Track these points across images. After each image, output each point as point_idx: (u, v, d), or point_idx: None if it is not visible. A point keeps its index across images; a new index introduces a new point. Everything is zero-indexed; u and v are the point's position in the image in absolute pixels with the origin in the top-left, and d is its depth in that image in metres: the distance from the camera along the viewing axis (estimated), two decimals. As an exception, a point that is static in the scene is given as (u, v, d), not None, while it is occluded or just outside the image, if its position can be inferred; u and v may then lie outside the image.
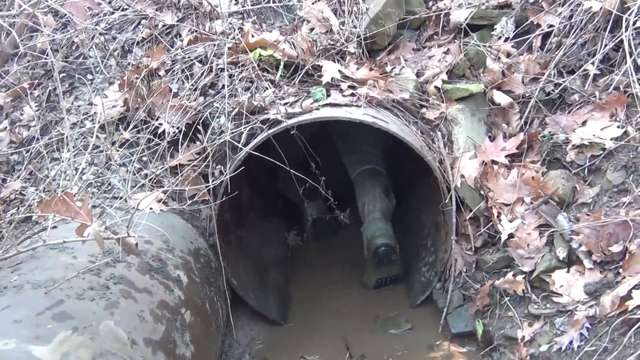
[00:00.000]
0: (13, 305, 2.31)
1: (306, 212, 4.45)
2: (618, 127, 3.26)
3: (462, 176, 3.47)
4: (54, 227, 2.76)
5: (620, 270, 2.82)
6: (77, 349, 2.16)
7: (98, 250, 2.57)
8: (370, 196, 3.99)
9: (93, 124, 3.68)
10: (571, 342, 2.76)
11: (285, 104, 3.56)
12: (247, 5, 4.23)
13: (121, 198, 3.19)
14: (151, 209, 3.18)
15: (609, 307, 2.69)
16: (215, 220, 3.38)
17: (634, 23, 3.31)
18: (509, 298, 3.18)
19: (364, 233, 3.93)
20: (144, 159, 3.54)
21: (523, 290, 3.11)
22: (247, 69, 3.72)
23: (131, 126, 3.64)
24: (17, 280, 2.46)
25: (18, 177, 3.69)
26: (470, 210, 3.47)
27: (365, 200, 3.99)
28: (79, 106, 3.95)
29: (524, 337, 2.96)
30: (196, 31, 4.02)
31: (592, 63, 3.50)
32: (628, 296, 2.64)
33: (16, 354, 2.04)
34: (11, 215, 3.34)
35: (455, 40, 4.01)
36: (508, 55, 3.88)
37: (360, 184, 4.07)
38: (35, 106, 4.03)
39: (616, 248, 2.87)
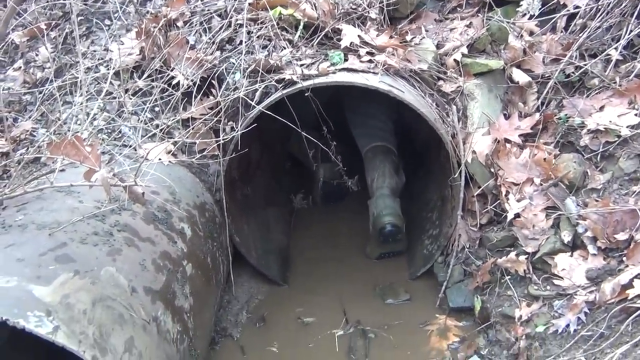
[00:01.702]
0: (17, 244, 2.33)
1: (317, 174, 4.43)
2: (636, 115, 3.22)
3: (474, 152, 3.45)
4: (62, 170, 2.76)
5: (624, 258, 2.81)
6: (77, 292, 2.17)
7: (104, 197, 2.57)
8: (379, 172, 3.96)
9: (108, 70, 3.66)
10: (568, 326, 2.76)
11: (301, 65, 3.53)
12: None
13: (131, 146, 3.19)
14: (160, 159, 3.18)
15: (609, 293, 2.69)
16: (222, 176, 3.38)
17: (663, 10, 3.26)
18: (509, 277, 3.17)
19: (370, 208, 3.91)
20: (156, 109, 3.54)
21: (524, 271, 3.11)
22: (266, 27, 3.68)
23: (145, 75, 3.62)
24: (22, 220, 2.48)
25: (29, 117, 3.69)
26: (479, 187, 3.45)
27: (375, 176, 3.96)
28: (94, 51, 3.93)
29: (521, 316, 2.97)
30: (217, -16, 3.97)
31: (616, 48, 3.44)
32: (629, 284, 2.63)
33: (17, 292, 2.06)
34: (20, 155, 3.35)
35: (479, 14, 3.94)
36: (531, 33, 3.81)
37: (370, 159, 4.05)
38: (51, 48, 4.01)
39: (622, 236, 2.86)
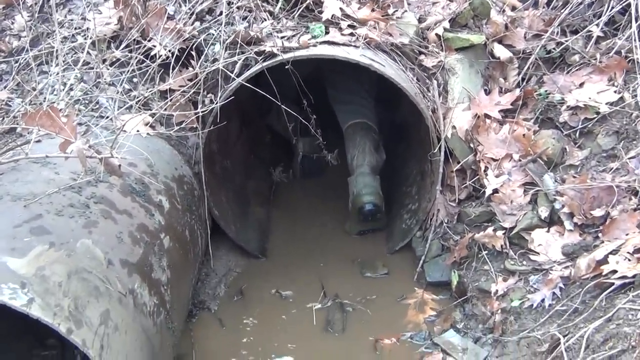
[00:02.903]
0: (-9, 215, 2.30)
1: (296, 148, 4.42)
2: (615, 92, 3.24)
3: (454, 127, 3.45)
4: (38, 141, 2.72)
5: (600, 234, 2.84)
6: (53, 264, 2.15)
7: (80, 168, 2.54)
8: (360, 149, 3.94)
9: (85, 39, 3.60)
10: (543, 300, 2.80)
11: (282, 37, 3.50)
12: None
13: (108, 117, 3.15)
14: (138, 131, 3.14)
15: (584, 269, 2.72)
16: (202, 149, 3.36)
17: (644, -13, 3.25)
18: (486, 252, 3.20)
19: (350, 186, 3.91)
20: (134, 80, 3.49)
21: (501, 246, 3.13)
22: (246, -2, 3.63)
23: (123, 45, 3.56)
24: (-3, 191, 2.45)
25: (5, 87, 3.62)
26: (458, 162, 3.46)
27: (355, 153, 3.95)
28: (71, 20, 3.85)
29: (497, 291, 3.00)
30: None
31: (597, 25, 3.45)
32: (604, 260, 2.67)
33: (-10, 264, 2.04)
34: (-5, 125, 3.30)
35: (462, -12, 3.92)
36: (513, 8, 3.80)
37: (351, 136, 4.02)
38: (27, 16, 3.93)
39: (598, 212, 2.88)
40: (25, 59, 3.64)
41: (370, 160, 3.92)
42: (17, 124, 3.16)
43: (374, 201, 3.79)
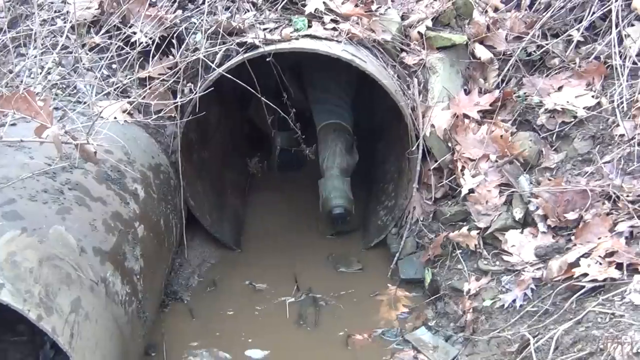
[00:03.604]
0: (-38, 198, 2.27)
1: (274, 142, 4.40)
2: (592, 96, 3.27)
3: (432, 126, 3.46)
4: (13, 124, 2.67)
5: (573, 237, 2.86)
6: (24, 250, 2.13)
7: (56, 154, 2.51)
8: (330, 151, 3.88)
9: (64, 23, 3.55)
10: (514, 301, 2.82)
11: (264, 29, 3.48)
12: None
13: (85, 103, 3.11)
14: (115, 118, 3.11)
15: (556, 271, 2.74)
16: (179, 138, 3.33)
17: (625, -6, 3.29)
18: (460, 251, 3.22)
19: (320, 188, 3.85)
20: (113, 66, 3.45)
21: (475, 246, 3.16)
22: (229, -13, 3.61)
23: (103, 30, 3.53)
24: (-31, 174, 2.41)
25: (-19, 68, 3.56)
26: (436, 161, 3.47)
27: (326, 155, 3.89)
28: (51, 2, 3.80)
29: (469, 290, 3.02)
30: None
31: (578, 29, 3.48)
32: (576, 263, 2.69)
33: (-40, 249, 2.01)
34: (-31, 106, 3.24)
35: (445, -13, 3.93)
36: (496, 9, 3.82)
37: (323, 137, 3.97)
38: (6, -3, 3.87)
39: (572, 215, 2.91)
40: (3, 41, 3.58)
41: (341, 163, 3.85)
42: (-8, 107, 3.11)
43: (343, 205, 3.73)
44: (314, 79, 4.14)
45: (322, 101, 4.08)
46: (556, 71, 3.47)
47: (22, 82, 3.27)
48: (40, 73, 3.29)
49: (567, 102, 3.29)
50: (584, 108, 3.24)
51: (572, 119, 3.25)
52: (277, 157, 4.41)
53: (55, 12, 3.71)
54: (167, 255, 3.18)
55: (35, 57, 3.33)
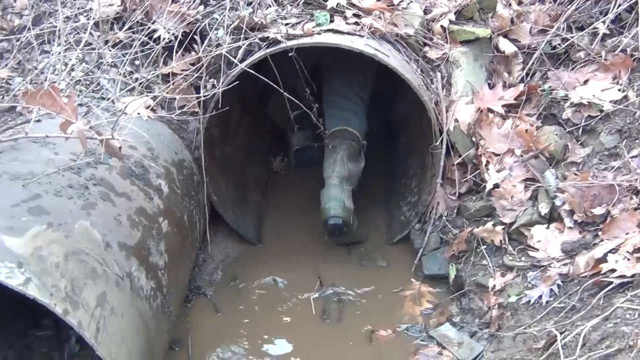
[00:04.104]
0: (-11, 193, 2.28)
1: (290, 142, 4.39)
2: (619, 90, 3.23)
3: (456, 120, 3.43)
4: (38, 120, 2.69)
5: (600, 232, 2.83)
6: (50, 245, 2.14)
7: (80, 149, 2.52)
8: (331, 160, 3.76)
9: (88, 19, 3.58)
10: (540, 297, 2.79)
11: (286, 24, 3.48)
12: None
13: (109, 99, 3.13)
14: (139, 114, 3.12)
15: (582, 267, 2.71)
16: (202, 134, 3.34)
17: (652, -15, 3.24)
18: (485, 247, 3.19)
19: (321, 197, 3.68)
20: (136, 62, 3.47)
21: (500, 241, 3.12)
22: (251, -17, 3.61)
23: (126, 27, 3.54)
24: (-4, 170, 2.43)
25: (6, 65, 3.60)
26: (460, 156, 3.45)
27: (327, 164, 3.77)
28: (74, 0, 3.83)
29: (494, 286, 2.99)
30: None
31: (603, 22, 3.44)
32: (603, 259, 2.65)
33: (-13, 242, 2.03)
34: (-5, 103, 3.28)
35: (468, -19, 3.90)
36: (519, 2, 3.78)
37: (327, 144, 3.84)
38: (30, -6, 3.90)
39: (599, 210, 2.87)
40: (27, 38, 3.62)
41: (340, 171, 3.69)
42: (18, 103, 3.14)
43: (339, 215, 3.55)
44: (329, 82, 4.07)
45: (332, 105, 3.97)
46: (582, 64, 3.42)
47: (46, 78, 3.31)
48: (64, 69, 3.32)
49: (593, 95, 3.24)
50: (610, 102, 3.20)
51: (598, 113, 3.21)
52: (293, 157, 4.41)
53: (78, 9, 3.74)
54: (190, 250, 3.19)
55: (59, 53, 3.36)
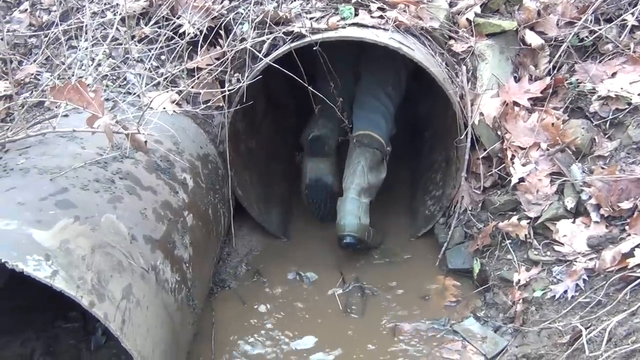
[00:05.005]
0: (18, 187, 2.32)
1: (309, 125, 3.96)
2: (648, 83, 3.18)
3: (481, 114, 3.41)
4: (66, 115, 2.74)
5: (627, 227, 2.80)
6: (77, 238, 2.17)
7: (107, 144, 2.56)
8: (351, 169, 3.64)
9: (114, 15, 3.61)
10: (566, 292, 2.77)
11: (311, 18, 3.48)
12: None
13: (135, 94, 3.15)
14: (164, 108, 3.14)
15: (609, 262, 2.69)
16: (227, 128, 3.36)
17: (683, -24, 3.18)
18: (510, 241, 3.17)
19: (337, 208, 3.56)
20: (162, 57, 3.49)
21: (525, 235, 3.10)
22: (276, -23, 3.62)
23: (152, 22, 3.57)
24: (24, 164, 2.47)
25: (34, 60, 3.64)
26: (485, 149, 3.42)
27: (347, 173, 3.66)
28: (101, -5, 3.87)
29: (519, 280, 2.97)
30: None
31: (632, 14, 3.38)
32: (630, 253, 2.63)
33: (16, 236, 2.06)
34: (24, 98, 3.32)
35: (494, -27, 3.86)
36: (546, -5, 3.74)
37: (350, 150, 3.74)
38: (58, -10, 3.95)
39: (626, 205, 2.84)
40: (55, 34, 3.66)
41: (360, 183, 3.57)
42: (46, 98, 3.19)
43: (353, 234, 3.44)
44: (361, 80, 4.02)
45: (361, 105, 3.89)
46: (610, 57, 3.37)
47: (73, 73, 3.34)
48: (91, 65, 3.35)
49: (621, 88, 3.19)
50: (638, 94, 3.15)
51: (627, 106, 3.16)
52: (308, 145, 3.91)
53: (105, 4, 3.77)
54: (215, 244, 3.21)
55: (86, 49, 3.39)
